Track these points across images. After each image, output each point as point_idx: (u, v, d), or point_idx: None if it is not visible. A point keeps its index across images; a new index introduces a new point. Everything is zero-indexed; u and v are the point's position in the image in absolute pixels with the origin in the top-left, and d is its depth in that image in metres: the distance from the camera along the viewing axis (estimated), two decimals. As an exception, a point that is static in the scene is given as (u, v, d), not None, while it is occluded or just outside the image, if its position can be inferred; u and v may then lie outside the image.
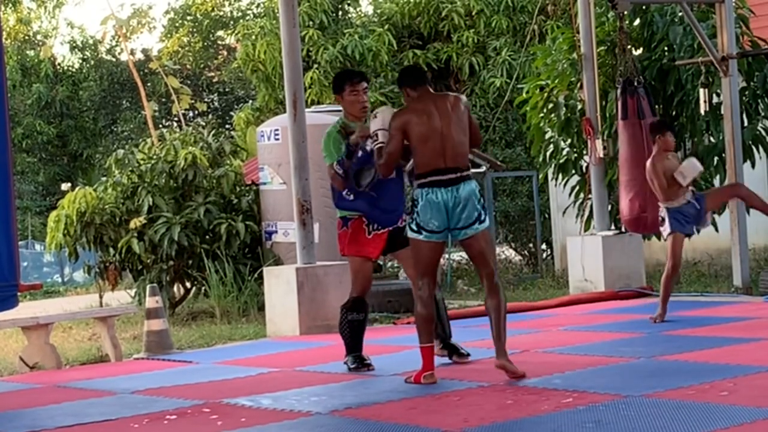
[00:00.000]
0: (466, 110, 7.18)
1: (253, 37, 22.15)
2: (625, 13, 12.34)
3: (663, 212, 9.61)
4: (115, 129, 35.83)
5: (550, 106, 14.26)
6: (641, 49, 13.99)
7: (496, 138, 19.82)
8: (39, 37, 36.91)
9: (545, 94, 14.30)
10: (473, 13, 20.97)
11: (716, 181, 13.37)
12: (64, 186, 27.21)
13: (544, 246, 18.69)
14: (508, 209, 18.60)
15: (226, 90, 36.49)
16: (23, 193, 34.06)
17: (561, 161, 14.35)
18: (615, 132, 12.47)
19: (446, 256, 16.71)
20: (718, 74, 12.61)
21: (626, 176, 10.68)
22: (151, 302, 10.01)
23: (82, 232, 14.31)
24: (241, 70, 26.62)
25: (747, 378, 6.62)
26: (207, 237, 14.00)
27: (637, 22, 14.08)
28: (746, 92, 13.54)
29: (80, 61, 35.87)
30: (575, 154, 14.22)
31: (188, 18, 35.11)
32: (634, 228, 11.10)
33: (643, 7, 13.76)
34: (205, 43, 35.38)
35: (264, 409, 6.64)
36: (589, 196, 13.31)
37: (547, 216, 18.61)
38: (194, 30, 35.16)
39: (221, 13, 35.16)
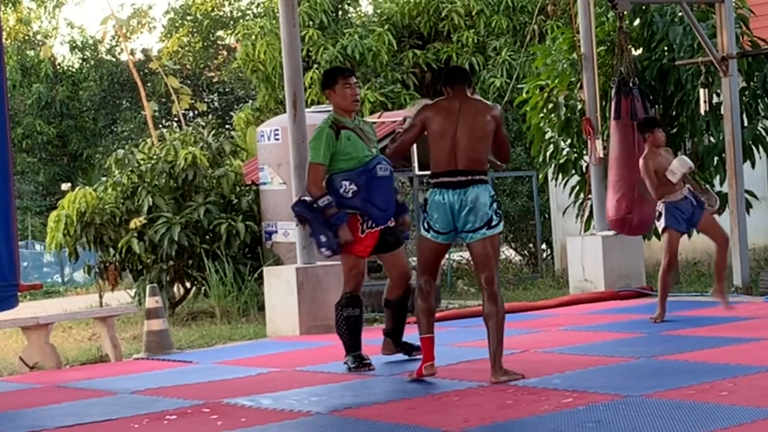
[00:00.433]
0: (494, 120, 7.06)
1: (253, 37, 22.17)
2: (625, 13, 12.33)
3: (660, 206, 9.63)
4: (115, 129, 35.83)
5: (550, 106, 14.25)
6: (641, 49, 13.99)
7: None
8: (39, 37, 36.89)
9: (545, 94, 14.30)
10: (473, 13, 20.98)
11: (716, 181, 13.37)
12: (64, 186, 27.18)
13: (544, 246, 18.70)
14: (508, 209, 18.59)
15: (226, 90, 36.48)
16: (23, 193, 34.05)
17: (561, 161, 14.34)
18: (613, 132, 12.47)
19: (446, 256, 16.69)
20: (718, 74, 12.61)
21: (615, 176, 10.67)
22: (151, 302, 10.01)
23: (82, 232, 14.32)
24: (241, 70, 26.63)
25: (747, 378, 6.62)
26: (207, 237, 14.00)
27: (637, 22, 14.07)
28: (746, 92, 13.54)
29: (80, 61, 35.86)
30: (575, 154, 14.22)
31: (188, 18, 35.10)
32: (618, 228, 11.08)
33: (643, 7, 13.76)
34: (205, 43, 35.37)
35: (264, 409, 6.64)
36: (589, 196, 13.31)
37: (547, 216, 18.62)
38: (194, 30, 35.15)
39: (221, 13, 35.15)
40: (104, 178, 15.45)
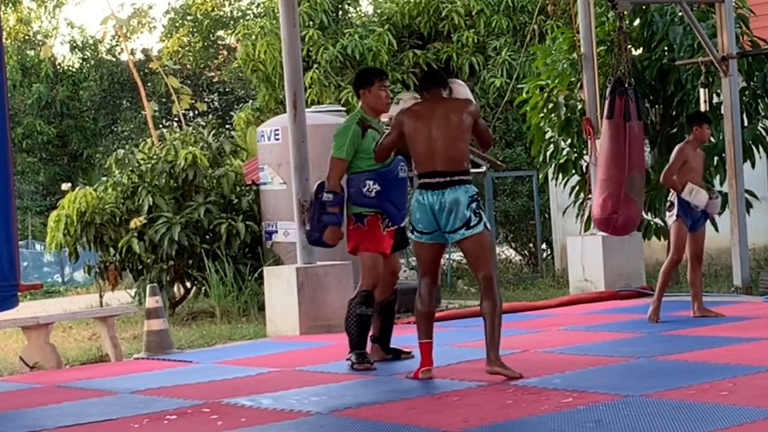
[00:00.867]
0: (470, 115, 7.17)
1: (253, 37, 22.17)
2: (625, 13, 12.32)
3: (673, 197, 9.67)
4: (115, 129, 35.83)
5: (550, 106, 14.26)
6: (641, 49, 14.00)
7: (496, 138, 19.82)
8: (39, 37, 36.90)
9: (545, 94, 14.31)
10: (473, 13, 20.99)
11: (716, 181, 13.37)
12: (64, 186, 27.15)
13: (544, 246, 18.70)
14: (508, 209, 18.61)
15: (226, 90, 36.49)
16: (23, 193, 34.05)
17: (561, 161, 14.35)
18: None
19: (446, 256, 16.70)
20: (718, 74, 12.61)
21: (603, 175, 10.66)
22: (151, 302, 10.01)
23: (82, 232, 14.32)
24: (241, 70, 26.65)
25: (747, 378, 6.62)
26: (207, 237, 14.00)
27: (637, 22, 14.09)
28: (746, 92, 13.55)
29: (80, 61, 35.87)
30: (575, 154, 14.23)
31: (188, 18, 35.11)
32: (603, 228, 11.10)
33: (643, 7, 13.77)
34: (205, 43, 35.38)
35: (264, 409, 6.64)
36: (589, 196, 13.29)
37: (547, 216, 18.62)
38: (194, 30, 35.16)
39: (221, 13, 35.16)
40: (104, 178, 15.44)
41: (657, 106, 13.85)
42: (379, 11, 22.39)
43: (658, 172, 12.83)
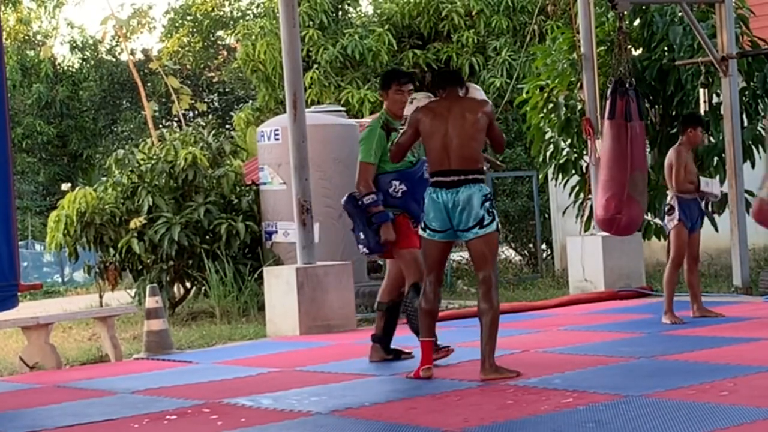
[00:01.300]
0: (486, 116, 7.17)
1: (253, 37, 22.18)
2: (625, 13, 12.32)
3: (673, 201, 9.67)
4: (115, 129, 35.85)
5: (550, 106, 14.26)
6: (641, 49, 13.99)
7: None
8: (39, 37, 36.92)
9: (545, 94, 14.31)
10: (473, 13, 20.99)
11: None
12: (64, 186, 27.21)
13: (544, 246, 18.70)
14: (508, 209, 18.59)
15: (226, 90, 36.50)
16: (23, 193, 34.05)
17: (561, 161, 14.34)
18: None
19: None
20: (718, 74, 12.61)
21: (605, 176, 10.66)
22: (151, 302, 10.01)
23: (82, 232, 14.31)
24: (241, 70, 26.65)
25: (747, 378, 6.62)
26: (207, 237, 14.00)
27: (637, 22, 14.08)
28: (746, 92, 13.54)
29: (80, 61, 35.88)
30: (575, 154, 14.23)
31: (188, 18, 35.12)
32: (606, 228, 11.10)
33: (643, 7, 13.77)
34: (205, 43, 35.39)
35: (264, 409, 6.64)
36: (589, 196, 13.30)
37: (547, 216, 18.61)
38: (194, 30, 35.17)
39: (221, 13, 35.17)
40: (104, 178, 15.43)
41: (657, 107, 13.84)
42: (379, 11, 22.40)
43: (658, 172, 12.84)
